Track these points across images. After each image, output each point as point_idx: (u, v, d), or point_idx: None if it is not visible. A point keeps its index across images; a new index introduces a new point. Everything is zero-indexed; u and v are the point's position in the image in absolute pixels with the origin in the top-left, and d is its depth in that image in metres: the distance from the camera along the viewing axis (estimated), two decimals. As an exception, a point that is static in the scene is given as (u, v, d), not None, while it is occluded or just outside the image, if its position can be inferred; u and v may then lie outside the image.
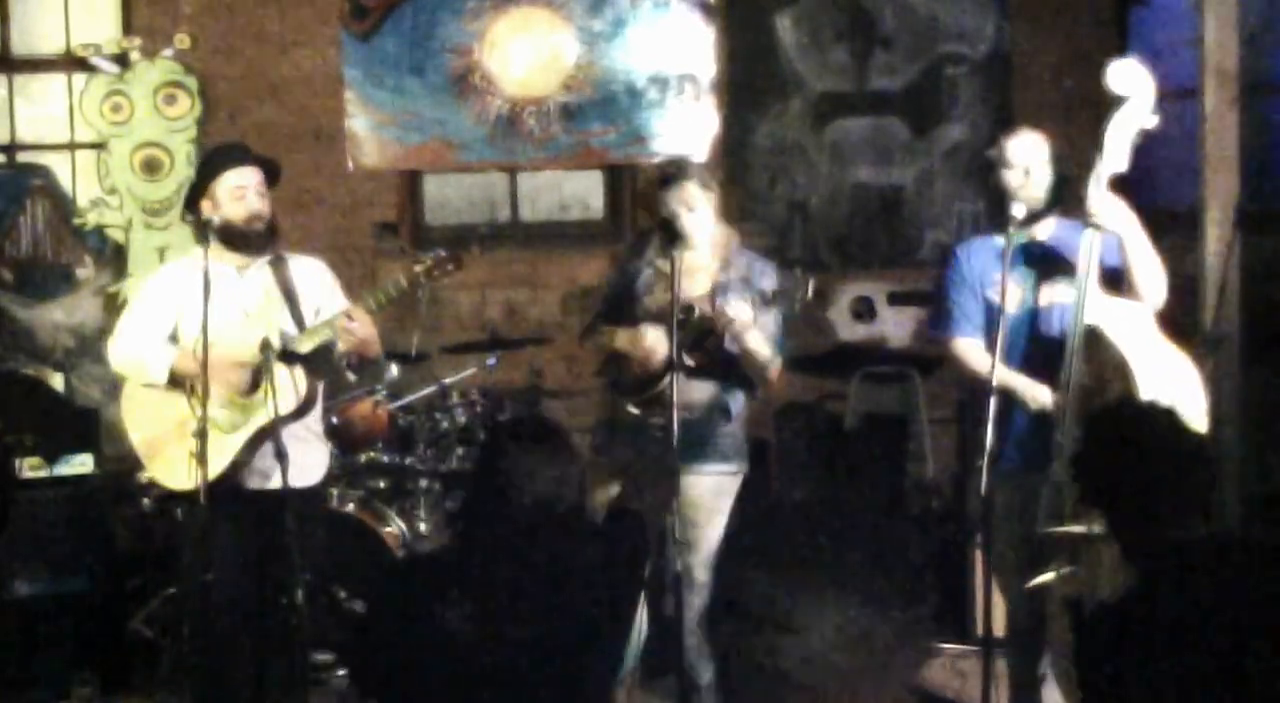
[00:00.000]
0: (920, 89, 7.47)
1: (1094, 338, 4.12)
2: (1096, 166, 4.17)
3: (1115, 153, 4.15)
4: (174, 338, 4.47)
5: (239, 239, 4.43)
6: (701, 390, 4.47)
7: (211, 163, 4.56)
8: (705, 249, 4.52)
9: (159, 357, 4.41)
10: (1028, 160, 4.35)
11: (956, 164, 7.49)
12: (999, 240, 4.34)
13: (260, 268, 4.49)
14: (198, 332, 4.29)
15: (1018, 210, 4.27)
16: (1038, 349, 4.31)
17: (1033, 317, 4.36)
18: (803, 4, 7.46)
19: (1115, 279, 4.24)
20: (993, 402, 4.09)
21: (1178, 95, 5.41)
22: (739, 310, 4.33)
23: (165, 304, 4.50)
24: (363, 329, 4.34)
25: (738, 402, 4.60)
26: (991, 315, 4.34)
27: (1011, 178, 4.35)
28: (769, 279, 4.52)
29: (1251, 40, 5.93)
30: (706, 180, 4.58)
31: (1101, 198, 4.15)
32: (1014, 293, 4.32)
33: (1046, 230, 4.40)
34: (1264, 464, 6.22)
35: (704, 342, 4.44)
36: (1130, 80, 4.16)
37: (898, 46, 7.47)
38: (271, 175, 4.54)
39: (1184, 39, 6.02)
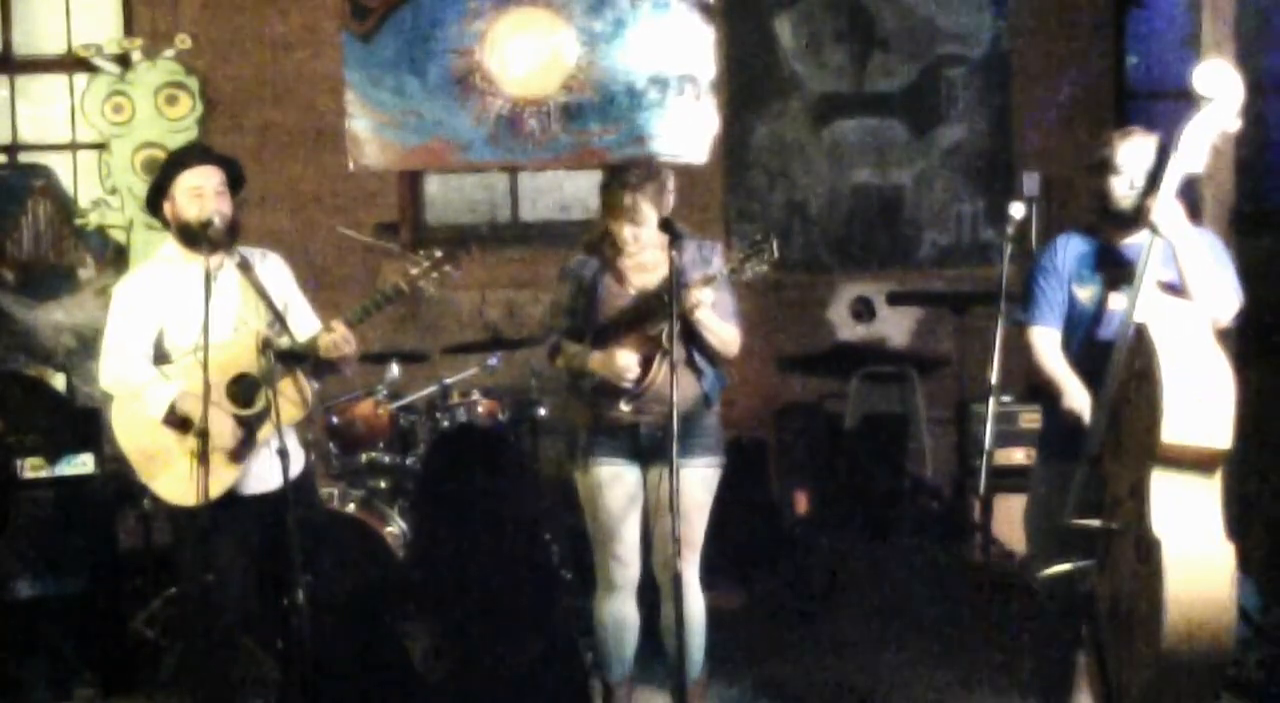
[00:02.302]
0: (919, 89, 7.48)
1: (1142, 337, 3.99)
2: (1169, 167, 4.03)
3: (1192, 154, 4.02)
4: (160, 346, 4.41)
5: (198, 239, 4.34)
6: (687, 383, 4.46)
7: (171, 164, 4.52)
8: (654, 243, 4.53)
9: (156, 393, 4.33)
10: (1141, 165, 4.16)
11: (956, 164, 7.50)
12: (1095, 240, 4.28)
13: (229, 270, 4.40)
14: (187, 342, 4.31)
15: (1016, 211, 4.24)
16: (1094, 349, 4.20)
17: (1099, 317, 4.25)
18: (803, 4, 7.47)
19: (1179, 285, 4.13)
20: (991, 402, 4.09)
21: (1175, 96, 5.40)
22: (700, 295, 4.37)
23: (145, 315, 4.42)
24: (346, 345, 4.33)
25: (715, 389, 4.62)
26: (1075, 310, 4.27)
27: (1116, 185, 4.17)
28: (717, 257, 4.57)
29: (1249, 40, 5.93)
30: (667, 175, 4.61)
31: (1166, 201, 4.02)
32: (1089, 291, 4.25)
33: (1142, 235, 4.18)
34: (1263, 464, 6.22)
35: (683, 331, 4.44)
36: (1217, 81, 4.05)
37: (897, 47, 7.47)
38: (233, 176, 4.47)
39: (1181, 39, 6.03)
